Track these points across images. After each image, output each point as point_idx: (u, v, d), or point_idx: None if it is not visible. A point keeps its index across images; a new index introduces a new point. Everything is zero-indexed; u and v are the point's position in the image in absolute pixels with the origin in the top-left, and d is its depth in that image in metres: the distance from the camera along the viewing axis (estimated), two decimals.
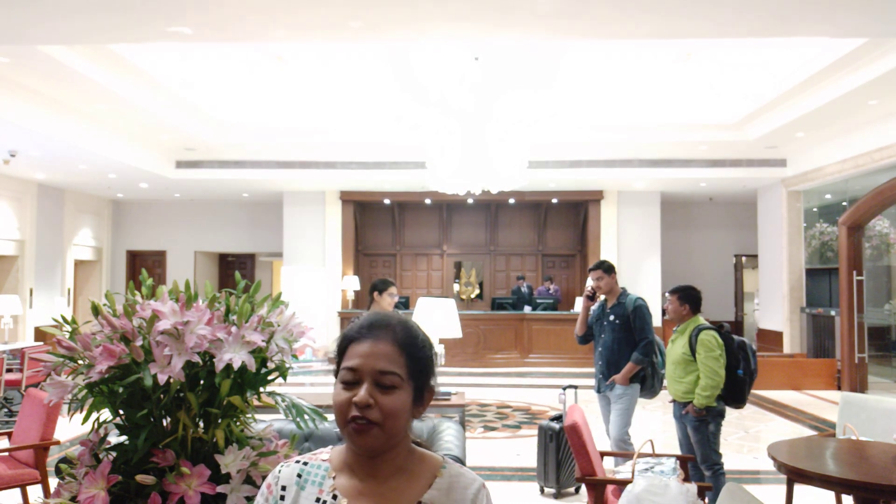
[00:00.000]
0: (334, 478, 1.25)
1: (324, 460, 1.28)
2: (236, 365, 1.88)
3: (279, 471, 1.27)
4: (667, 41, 6.28)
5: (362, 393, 1.19)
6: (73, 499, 1.92)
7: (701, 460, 4.23)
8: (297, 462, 1.28)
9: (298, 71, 7.18)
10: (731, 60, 6.90)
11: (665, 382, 4.64)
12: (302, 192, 12.91)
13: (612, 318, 4.78)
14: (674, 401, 4.42)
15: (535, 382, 10.46)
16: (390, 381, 1.21)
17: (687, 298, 4.33)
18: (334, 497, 1.22)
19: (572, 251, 14.41)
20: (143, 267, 9.95)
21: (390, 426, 1.20)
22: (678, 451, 4.43)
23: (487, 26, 4.86)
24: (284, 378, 2.10)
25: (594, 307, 4.96)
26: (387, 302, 5.05)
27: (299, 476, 1.26)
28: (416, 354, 1.26)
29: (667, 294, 4.52)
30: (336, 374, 1.27)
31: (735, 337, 4.29)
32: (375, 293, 5.09)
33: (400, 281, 14.15)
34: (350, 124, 9.33)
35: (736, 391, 4.19)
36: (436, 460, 1.29)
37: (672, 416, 4.54)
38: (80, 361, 1.99)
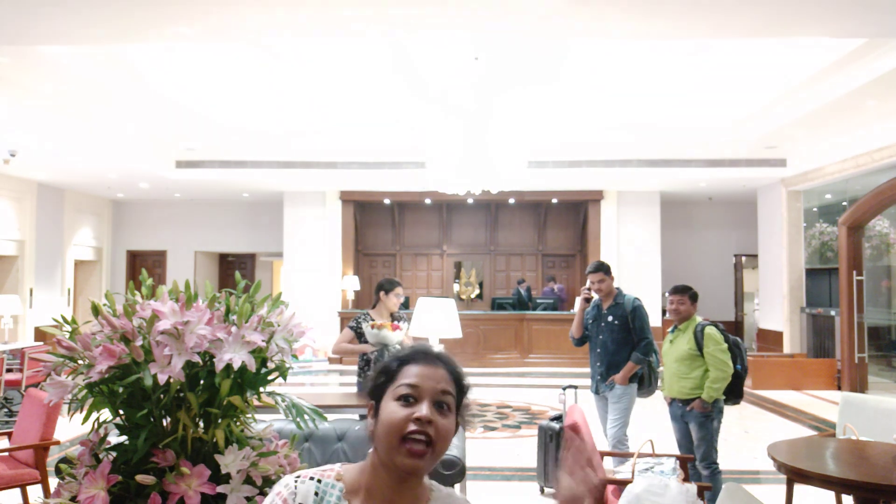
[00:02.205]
0: (349, 501, 1.25)
1: (337, 480, 1.26)
2: (236, 365, 1.88)
3: (295, 486, 1.24)
4: (666, 41, 6.28)
5: (425, 409, 1.23)
6: (73, 499, 1.92)
7: (701, 458, 4.25)
8: (312, 479, 1.25)
9: (299, 71, 7.18)
10: (731, 61, 6.90)
11: (662, 383, 4.65)
12: (302, 192, 12.91)
13: (610, 318, 4.78)
14: (673, 400, 4.43)
15: (535, 382, 10.46)
16: (448, 401, 1.28)
17: (694, 298, 4.46)
18: None
19: (572, 251, 14.41)
20: (143, 267, 9.95)
21: (440, 449, 1.24)
22: (678, 452, 4.43)
23: (486, 24, 4.86)
24: (284, 378, 2.10)
25: (588, 309, 4.95)
26: (392, 302, 4.98)
27: (316, 494, 1.24)
28: (463, 388, 1.34)
29: (667, 294, 4.56)
30: (377, 397, 1.29)
31: (728, 335, 4.39)
32: (382, 293, 5.04)
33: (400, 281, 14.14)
34: (350, 124, 9.33)
35: (736, 386, 4.29)
36: (425, 482, 1.34)
37: (669, 416, 4.54)
38: (80, 361, 1.99)
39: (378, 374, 1.31)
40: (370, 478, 1.26)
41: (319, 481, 1.25)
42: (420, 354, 1.31)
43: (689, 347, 4.30)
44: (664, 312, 12.82)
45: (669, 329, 4.58)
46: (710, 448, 4.25)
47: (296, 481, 1.24)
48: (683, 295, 4.43)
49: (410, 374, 1.27)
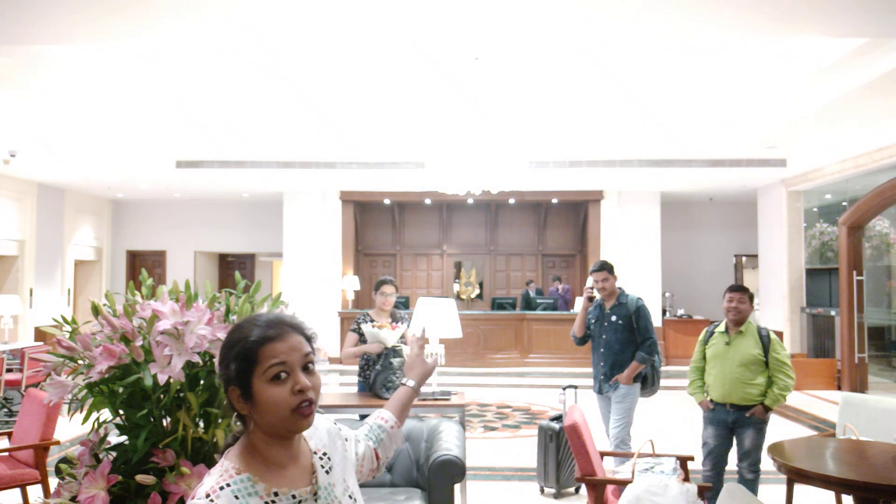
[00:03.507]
0: (262, 483, 1.29)
1: (238, 474, 1.29)
2: None
3: None
4: (666, 41, 6.28)
5: (304, 379, 1.32)
6: (73, 499, 1.92)
7: (750, 464, 4.17)
8: (223, 488, 1.26)
9: (298, 70, 7.18)
10: (732, 60, 6.89)
11: (690, 385, 4.45)
12: (302, 192, 12.90)
13: (613, 318, 4.77)
14: (719, 405, 4.22)
15: (535, 382, 10.46)
16: (311, 359, 1.36)
17: (752, 297, 4.28)
18: (276, 494, 1.30)
19: (572, 251, 14.41)
20: (143, 267, 9.94)
21: (318, 400, 1.35)
22: (678, 452, 4.42)
23: (487, 27, 4.87)
24: None
25: (591, 308, 4.95)
26: (379, 301, 4.90)
27: (237, 498, 1.26)
28: (308, 336, 1.40)
29: (725, 293, 4.26)
30: (243, 383, 1.31)
31: None
32: (373, 293, 5.04)
33: (400, 281, 14.14)
34: (350, 124, 9.33)
35: None
36: None
37: (707, 421, 4.29)
38: (80, 361, 2.00)
39: (237, 361, 1.31)
40: (259, 455, 1.32)
41: (228, 486, 1.26)
42: (272, 329, 1.34)
43: (759, 352, 4.12)
44: (664, 312, 12.82)
45: (716, 329, 4.33)
46: (760, 452, 4.17)
47: (211, 502, 1.24)
48: (744, 294, 4.23)
49: (275, 353, 1.31)
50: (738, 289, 4.26)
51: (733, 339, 4.21)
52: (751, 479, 4.17)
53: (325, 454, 1.43)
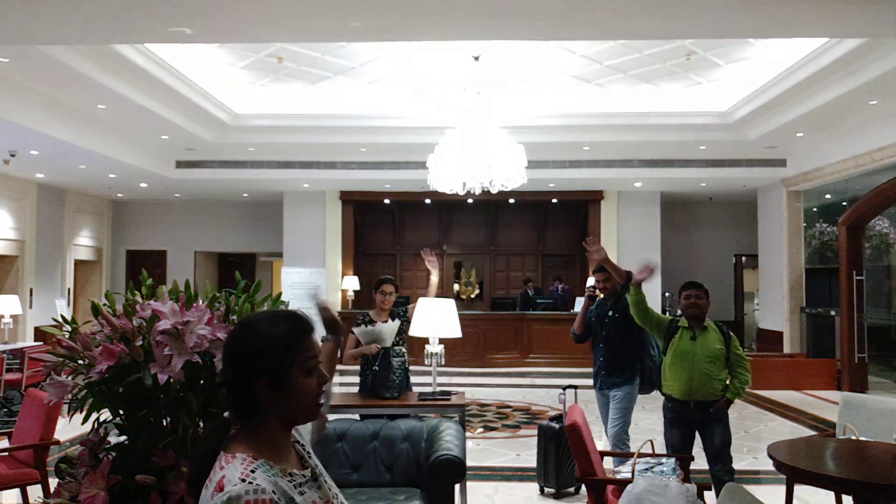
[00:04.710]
0: (273, 465, 1.36)
1: (254, 459, 1.33)
2: None
3: (257, 485, 1.26)
4: (666, 41, 6.28)
5: (325, 373, 1.45)
6: (73, 499, 1.92)
7: (725, 461, 4.15)
8: (253, 472, 1.29)
9: (298, 70, 7.19)
10: (731, 60, 6.90)
11: (665, 384, 4.36)
12: (302, 192, 12.91)
13: (611, 313, 4.79)
14: (683, 402, 4.16)
15: (535, 382, 10.46)
16: None
17: (707, 293, 4.28)
18: (291, 475, 1.37)
19: (572, 251, 14.40)
20: (143, 267, 9.91)
21: None
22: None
23: (486, 30, 4.87)
24: None
25: (592, 307, 4.96)
26: (378, 300, 4.88)
27: (270, 477, 1.31)
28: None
29: (681, 290, 4.29)
30: (279, 373, 1.37)
31: None
32: (373, 292, 5.01)
33: (400, 281, 14.13)
34: (350, 123, 9.33)
35: None
36: None
37: (672, 423, 4.23)
38: (80, 361, 2.00)
39: (283, 353, 1.38)
40: (269, 442, 1.38)
41: (254, 471, 1.30)
42: (305, 325, 1.43)
43: (721, 346, 4.14)
44: (664, 312, 12.81)
45: (679, 325, 4.28)
46: (730, 450, 4.16)
47: (251, 483, 1.26)
48: (700, 290, 4.24)
49: (311, 348, 1.42)
50: (695, 285, 4.28)
51: (699, 335, 4.19)
52: (727, 481, 4.13)
53: (300, 443, 1.50)
